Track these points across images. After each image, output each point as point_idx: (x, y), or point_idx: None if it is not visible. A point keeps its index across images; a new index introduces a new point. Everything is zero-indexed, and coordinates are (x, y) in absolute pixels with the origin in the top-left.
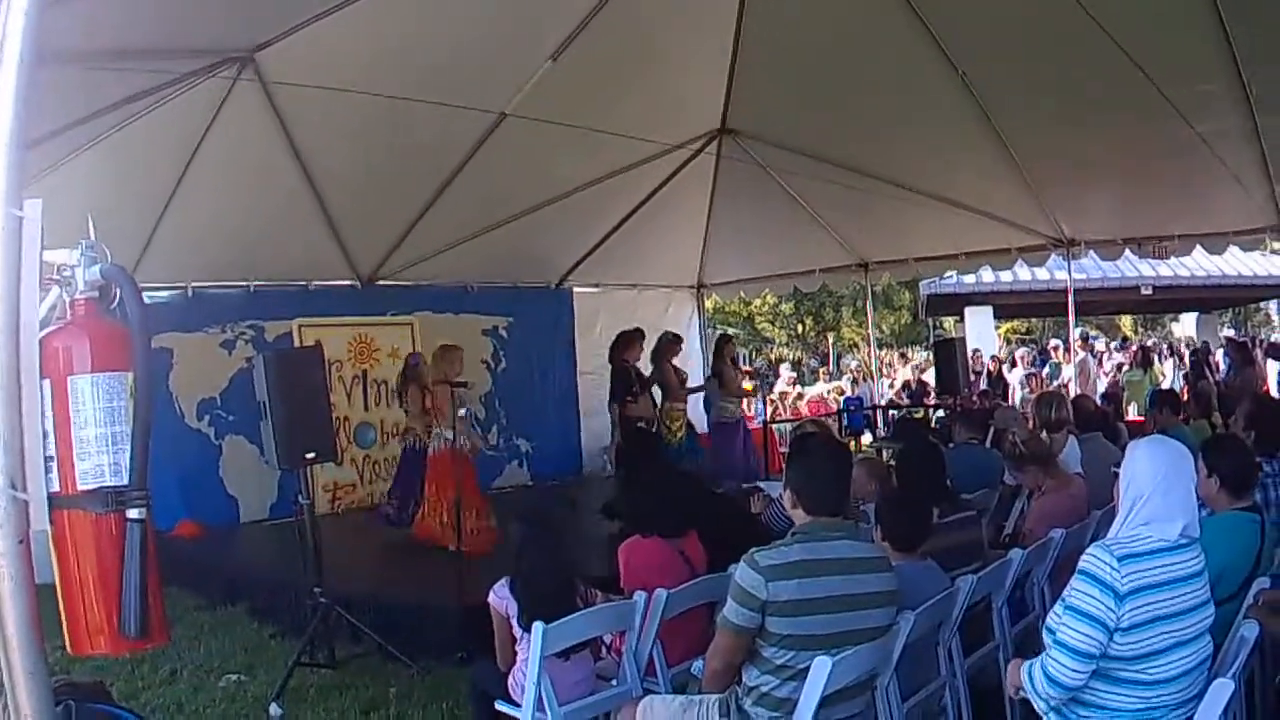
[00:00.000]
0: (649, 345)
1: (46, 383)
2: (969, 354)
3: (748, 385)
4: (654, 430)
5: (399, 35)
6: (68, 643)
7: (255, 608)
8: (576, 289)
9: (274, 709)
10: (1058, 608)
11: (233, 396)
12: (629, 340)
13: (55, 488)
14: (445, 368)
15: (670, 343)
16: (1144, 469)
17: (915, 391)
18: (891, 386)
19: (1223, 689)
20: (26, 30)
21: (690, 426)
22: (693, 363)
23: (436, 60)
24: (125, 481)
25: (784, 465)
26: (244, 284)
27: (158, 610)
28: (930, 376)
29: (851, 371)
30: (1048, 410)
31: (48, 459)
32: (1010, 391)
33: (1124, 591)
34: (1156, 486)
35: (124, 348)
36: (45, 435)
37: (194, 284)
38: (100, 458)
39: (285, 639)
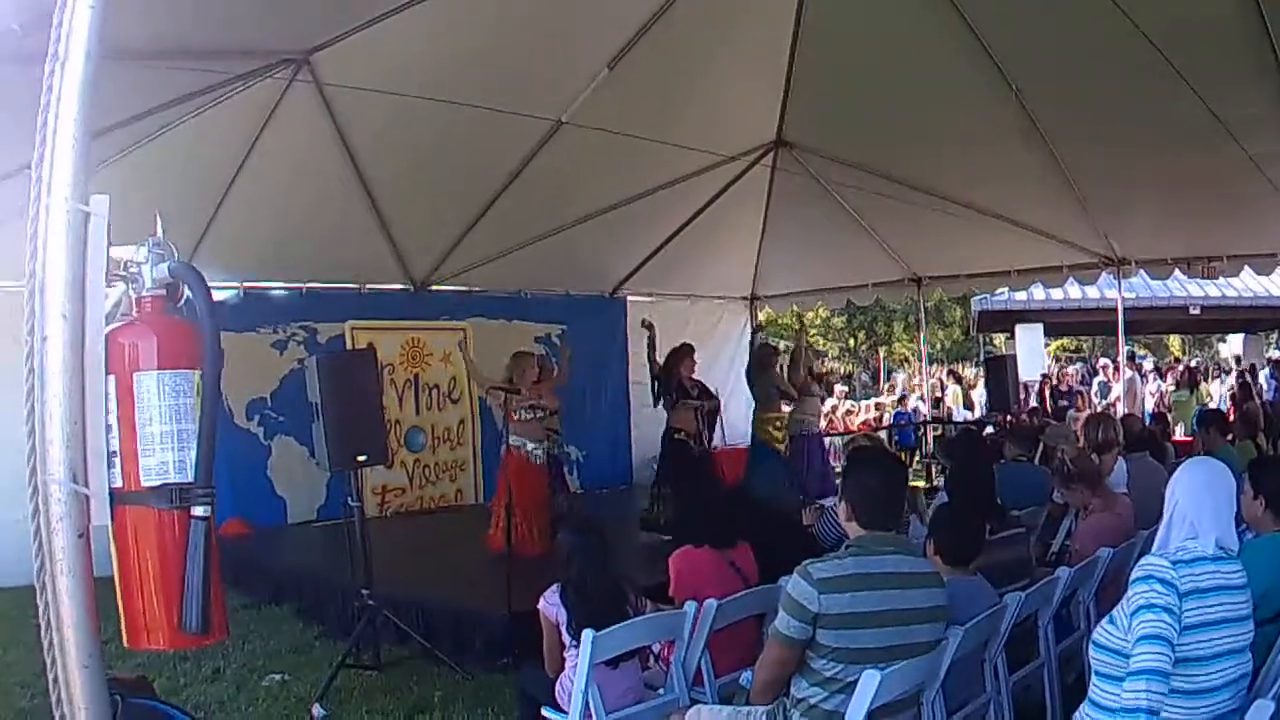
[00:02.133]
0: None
1: (111, 379)
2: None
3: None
4: (696, 442)
5: (454, 40)
6: (125, 637)
7: (301, 608)
8: (630, 298)
9: (317, 710)
10: (1105, 623)
11: (283, 397)
12: (680, 355)
13: (118, 483)
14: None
15: (771, 353)
16: (1182, 485)
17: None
18: (940, 404)
19: (1263, 710)
20: (91, 27)
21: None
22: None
23: (492, 66)
24: (190, 479)
25: (840, 478)
26: (297, 285)
27: (218, 607)
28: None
29: (904, 386)
30: (1096, 431)
31: (111, 454)
32: (1059, 409)
33: (1182, 590)
34: (1190, 501)
35: (192, 346)
36: (109, 430)
37: (246, 284)
38: (165, 454)
39: (330, 640)
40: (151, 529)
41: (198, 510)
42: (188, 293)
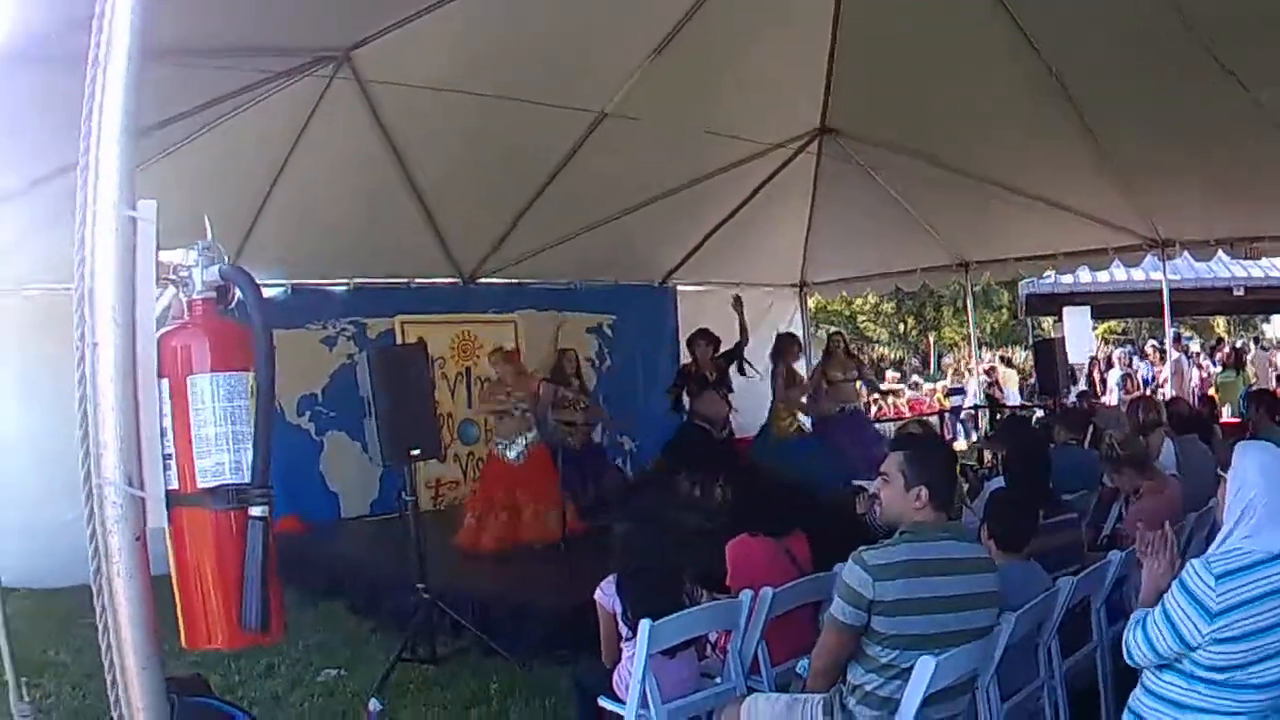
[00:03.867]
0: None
1: (165, 382)
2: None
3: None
4: (720, 429)
5: (495, 34)
6: (183, 636)
7: (355, 604)
8: (680, 287)
9: (374, 704)
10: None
11: (334, 393)
12: (693, 342)
13: (174, 485)
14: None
15: (790, 344)
16: (1254, 476)
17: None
18: (993, 387)
19: None
20: (133, 30)
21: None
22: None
23: (533, 59)
24: (247, 480)
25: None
26: (344, 281)
27: (276, 606)
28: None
29: (956, 369)
30: (1138, 414)
31: (166, 457)
32: (1108, 392)
33: (1217, 610)
34: (1269, 492)
35: (244, 348)
36: (164, 434)
37: (294, 281)
38: (221, 456)
39: (386, 634)
40: (209, 530)
41: (255, 510)
42: (239, 295)
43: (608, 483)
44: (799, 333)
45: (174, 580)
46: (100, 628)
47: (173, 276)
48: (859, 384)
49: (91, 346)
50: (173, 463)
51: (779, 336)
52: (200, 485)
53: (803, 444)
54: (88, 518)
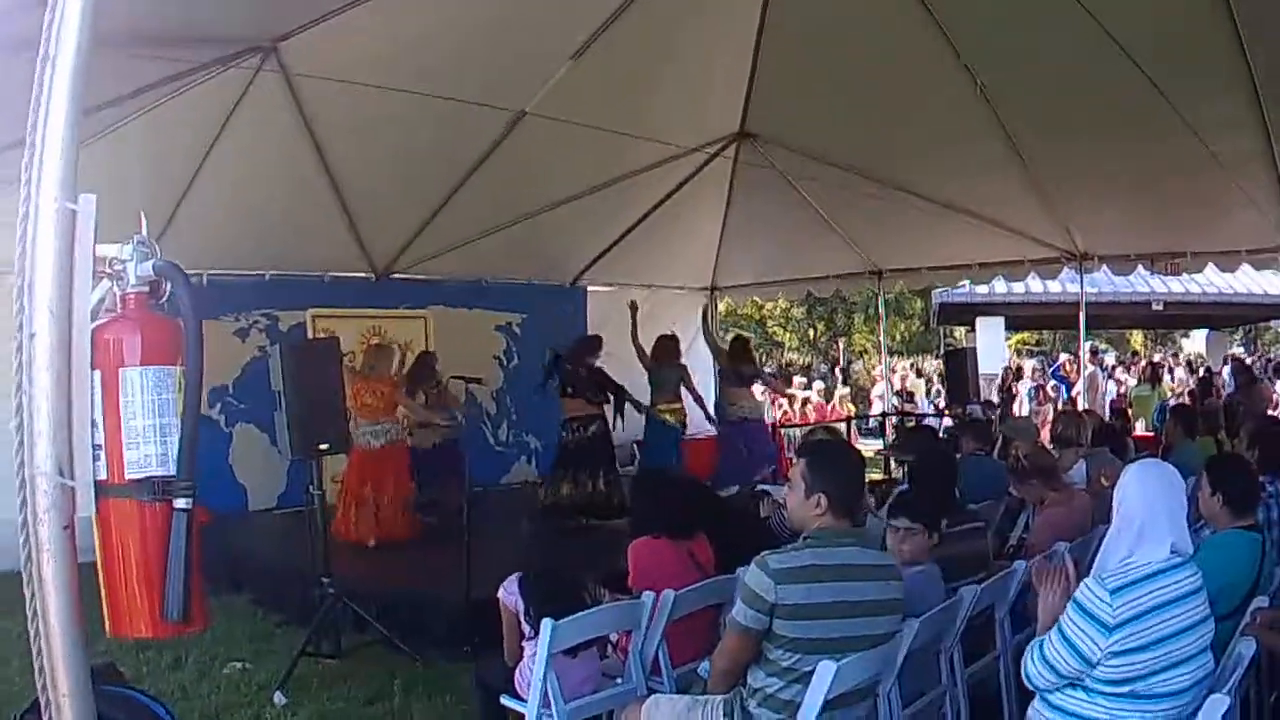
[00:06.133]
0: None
1: (97, 374)
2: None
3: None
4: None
5: (421, 30)
6: (107, 625)
7: (261, 597)
8: (591, 288)
9: (278, 697)
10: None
11: (245, 385)
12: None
13: (103, 476)
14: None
15: (670, 344)
16: (1133, 492)
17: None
18: (898, 395)
19: (1217, 704)
20: (82, 27)
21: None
22: (702, 364)
23: (458, 56)
24: (173, 472)
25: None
26: (259, 273)
27: (198, 597)
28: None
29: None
30: (1063, 428)
31: (96, 448)
32: (1018, 403)
33: (1114, 624)
34: (1146, 508)
35: (173, 342)
36: (94, 425)
37: (210, 271)
38: (148, 448)
39: (291, 628)
40: (135, 520)
41: (180, 502)
42: (170, 289)
43: (454, 486)
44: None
45: (100, 569)
46: (29, 615)
47: (108, 270)
48: (759, 386)
49: (29, 337)
50: (102, 453)
51: (660, 338)
52: (129, 476)
53: (675, 434)
54: (20, 506)
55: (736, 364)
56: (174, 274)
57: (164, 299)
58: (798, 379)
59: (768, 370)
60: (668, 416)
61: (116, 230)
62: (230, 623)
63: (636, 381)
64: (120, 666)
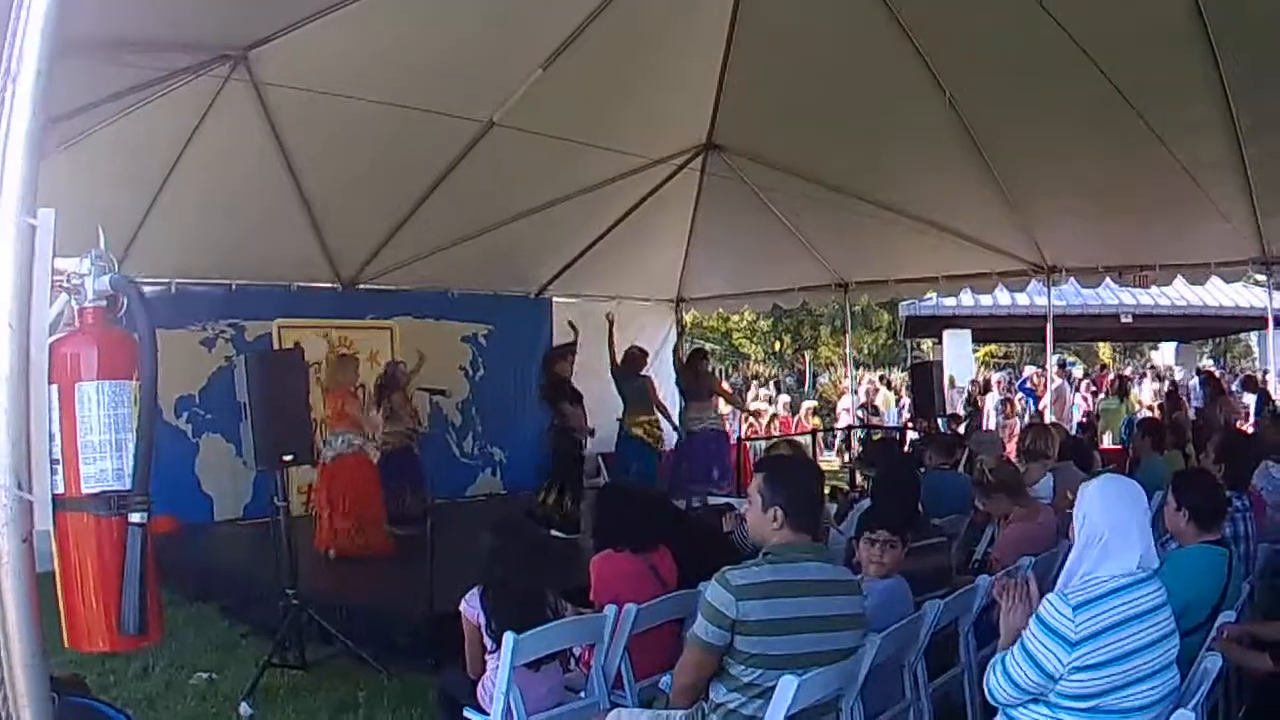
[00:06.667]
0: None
1: (54, 388)
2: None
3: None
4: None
5: (390, 41)
6: (65, 637)
7: (227, 607)
8: (556, 299)
9: (244, 708)
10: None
11: (211, 395)
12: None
13: (60, 490)
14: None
15: (637, 356)
16: (1096, 509)
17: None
18: (864, 409)
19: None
20: (43, 47)
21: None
22: (668, 376)
23: (426, 67)
24: (128, 486)
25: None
26: (226, 282)
27: (154, 609)
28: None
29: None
30: (1030, 440)
31: (53, 462)
32: (985, 416)
33: (1076, 639)
34: (1111, 526)
35: (130, 357)
36: (51, 439)
37: (176, 280)
38: (104, 462)
39: (257, 639)
40: (91, 534)
41: (135, 517)
42: (126, 304)
43: (412, 494)
44: (671, 348)
45: (57, 582)
46: None
47: (66, 284)
48: (718, 400)
49: None
50: (59, 468)
51: (627, 349)
52: (85, 490)
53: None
54: None
55: (694, 377)
56: (129, 289)
57: (121, 313)
58: (764, 391)
59: (728, 385)
60: (642, 433)
61: (83, 239)
62: (197, 632)
63: (605, 391)
64: (85, 677)
